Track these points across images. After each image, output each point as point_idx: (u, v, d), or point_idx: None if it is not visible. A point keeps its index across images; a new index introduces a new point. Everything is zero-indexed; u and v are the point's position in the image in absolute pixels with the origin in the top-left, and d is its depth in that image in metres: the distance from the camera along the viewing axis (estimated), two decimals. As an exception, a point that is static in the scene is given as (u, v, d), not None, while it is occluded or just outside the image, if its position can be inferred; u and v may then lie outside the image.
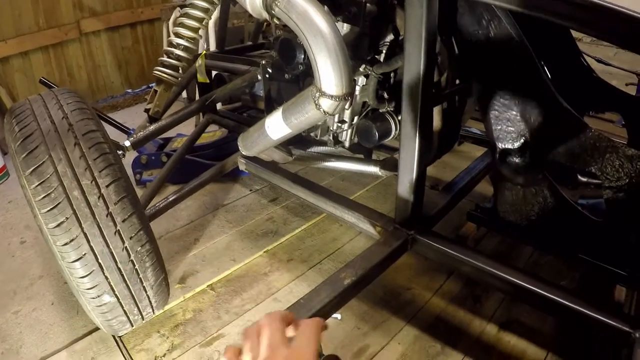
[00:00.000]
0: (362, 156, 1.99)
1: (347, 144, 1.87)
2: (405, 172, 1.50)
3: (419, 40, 1.32)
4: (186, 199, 2.37)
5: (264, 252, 2.53)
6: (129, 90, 5.86)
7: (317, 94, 1.33)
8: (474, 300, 2.09)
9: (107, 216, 1.50)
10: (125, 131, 3.10)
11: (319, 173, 2.09)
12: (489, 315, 2.01)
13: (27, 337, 2.16)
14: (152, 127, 2.16)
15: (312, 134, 1.91)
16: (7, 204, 3.53)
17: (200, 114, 2.82)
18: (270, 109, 1.97)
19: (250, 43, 2.91)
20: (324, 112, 1.35)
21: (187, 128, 3.51)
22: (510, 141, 1.53)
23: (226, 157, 2.44)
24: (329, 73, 1.29)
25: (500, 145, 1.55)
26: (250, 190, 3.18)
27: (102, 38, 5.46)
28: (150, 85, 5.95)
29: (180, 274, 2.40)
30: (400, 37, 1.70)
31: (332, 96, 1.31)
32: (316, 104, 1.34)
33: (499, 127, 1.53)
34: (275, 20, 1.43)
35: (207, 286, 2.31)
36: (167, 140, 3.45)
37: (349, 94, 1.34)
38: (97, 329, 2.11)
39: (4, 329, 2.23)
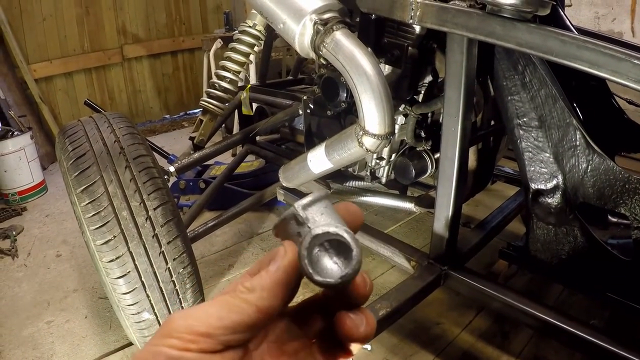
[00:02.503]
0: (397, 192, 2.04)
1: (383, 180, 1.91)
2: (442, 209, 1.55)
3: (459, 84, 1.38)
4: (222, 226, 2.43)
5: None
6: (167, 116, 5.99)
7: (361, 133, 1.39)
8: (502, 337, 2.10)
9: (153, 237, 1.57)
10: (165, 156, 3.20)
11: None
12: (517, 352, 2.02)
13: (58, 348, 2.22)
14: (196, 155, 2.24)
15: (350, 169, 1.96)
16: (44, 217, 3.65)
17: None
18: (309, 142, 2.03)
19: (290, 78, 3.00)
20: (367, 149, 1.41)
21: (224, 157, 3.61)
22: (543, 182, 1.56)
23: (263, 187, 2.51)
24: (372, 113, 1.35)
25: (533, 186, 1.57)
26: (285, 221, 3.21)
27: (143, 64, 5.62)
28: (188, 112, 6.10)
29: (212, 296, 2.42)
30: (439, 79, 1.76)
31: (374, 135, 1.37)
32: (359, 142, 1.40)
33: (532, 169, 1.56)
34: (322, 60, 1.50)
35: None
36: (205, 167, 3.54)
37: (391, 133, 1.39)
38: (129, 344, 2.17)
39: (36, 338, 2.30)
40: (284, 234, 0.46)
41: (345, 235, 0.41)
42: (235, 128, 4.19)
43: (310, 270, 0.40)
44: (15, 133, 4.00)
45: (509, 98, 1.53)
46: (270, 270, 0.43)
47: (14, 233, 3.33)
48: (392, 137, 1.42)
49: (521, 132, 1.55)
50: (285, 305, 0.45)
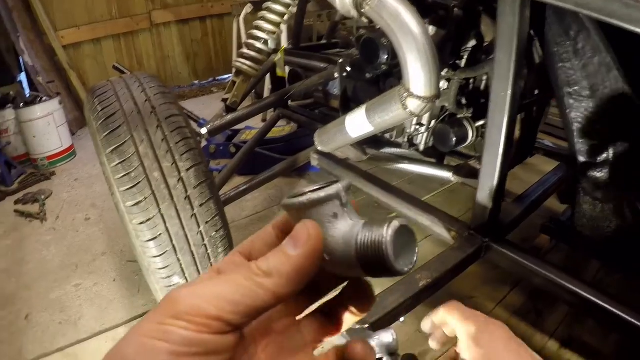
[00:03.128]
0: (434, 160, 1.98)
1: (421, 147, 1.85)
2: (487, 177, 1.47)
3: (510, 48, 1.30)
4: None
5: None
6: (196, 82, 5.98)
7: (405, 94, 1.32)
8: (537, 315, 2.04)
9: (185, 199, 1.52)
10: (195, 120, 3.16)
11: (386, 175, 2.09)
12: (551, 331, 1.96)
13: (86, 310, 2.23)
14: (228, 117, 2.18)
15: (387, 135, 1.90)
16: (73, 181, 3.66)
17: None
18: (345, 107, 1.97)
19: (324, 41, 2.92)
20: (410, 112, 1.34)
21: (255, 122, 3.56)
22: (593, 155, 1.49)
23: (294, 153, 2.46)
24: (418, 74, 1.28)
25: (581, 159, 1.51)
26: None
27: (172, 30, 5.60)
28: (217, 78, 6.07)
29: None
30: (485, 44, 1.68)
31: (419, 97, 1.30)
32: (403, 104, 1.33)
33: (582, 140, 1.49)
34: (364, 19, 1.43)
35: (270, 277, 2.32)
36: (236, 131, 3.51)
37: (437, 96, 1.32)
38: (157, 308, 2.16)
39: (63, 301, 2.31)
40: (302, 214, 0.43)
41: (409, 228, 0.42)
42: (266, 93, 4.14)
43: (393, 258, 0.40)
44: (44, 99, 4.02)
45: (560, 65, 1.45)
46: (291, 256, 0.40)
47: (43, 197, 3.35)
48: (436, 100, 1.35)
49: (571, 101, 1.46)
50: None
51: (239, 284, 0.38)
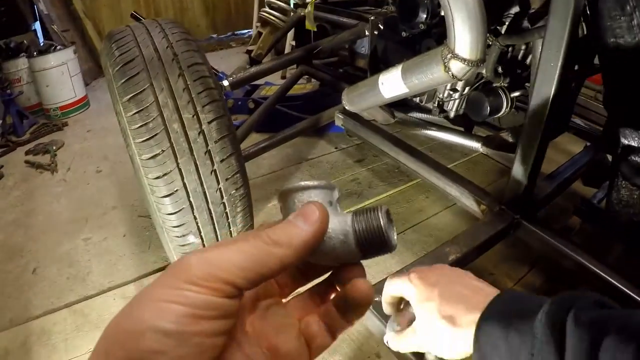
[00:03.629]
0: (462, 129, 1.90)
1: (452, 114, 1.77)
2: (526, 150, 1.39)
3: (565, 16, 1.22)
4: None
5: (347, 212, 2.44)
6: (214, 36, 5.88)
7: (449, 56, 1.23)
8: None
9: (205, 154, 1.44)
10: (214, 73, 3.08)
11: (407, 141, 2.02)
12: (568, 315, 1.90)
13: (95, 266, 2.18)
14: (252, 70, 2.09)
15: (416, 99, 1.82)
16: (86, 132, 3.61)
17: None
18: (374, 67, 1.89)
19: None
20: (453, 75, 1.25)
21: (274, 78, 3.47)
22: (637, 138, 1.41)
23: (314, 112, 2.37)
24: (466, 35, 1.19)
25: (624, 142, 1.42)
26: (336, 148, 3.13)
27: (191, -20, 5.48)
28: (235, 32, 5.96)
29: (259, 222, 2.35)
30: (531, 11, 1.59)
31: (464, 60, 1.22)
32: (445, 66, 1.25)
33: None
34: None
35: (286, 238, 2.27)
36: (255, 87, 3.42)
37: (482, 60, 1.24)
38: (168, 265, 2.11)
39: (72, 255, 2.26)
40: (294, 203, 0.48)
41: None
42: (287, 50, 4.04)
43: (389, 235, 0.46)
44: (58, 47, 3.95)
45: (612, 40, 1.35)
46: (302, 229, 0.43)
47: (54, 148, 3.30)
48: (482, 64, 1.26)
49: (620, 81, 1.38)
50: None
51: (249, 251, 0.40)
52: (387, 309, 0.88)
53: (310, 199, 0.47)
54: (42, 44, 4.15)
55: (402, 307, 0.88)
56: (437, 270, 0.80)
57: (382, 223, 0.46)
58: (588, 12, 1.53)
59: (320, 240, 0.44)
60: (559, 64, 1.26)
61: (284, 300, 0.50)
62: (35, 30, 4.56)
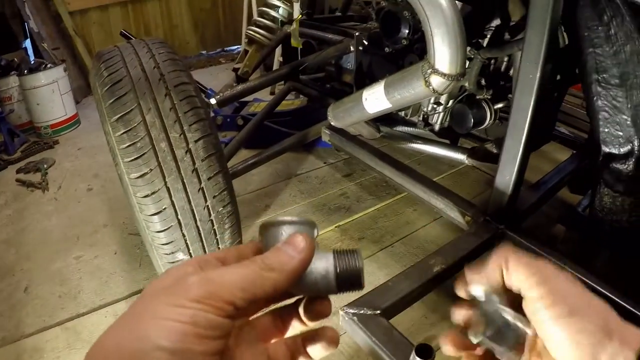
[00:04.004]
0: (448, 142, 1.92)
1: (437, 127, 1.80)
2: (508, 162, 1.42)
3: (543, 27, 1.24)
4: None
5: (335, 226, 2.49)
6: (204, 52, 5.90)
7: (429, 71, 1.26)
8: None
9: (192, 172, 1.46)
10: (203, 90, 3.09)
11: (394, 155, 2.04)
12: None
13: (86, 284, 2.18)
14: (239, 87, 2.12)
15: (401, 113, 1.84)
16: (76, 150, 3.61)
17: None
18: (359, 82, 1.91)
19: (338, 14, 2.84)
20: (433, 90, 1.28)
21: (263, 95, 3.49)
22: (617, 146, 1.44)
23: (303, 128, 2.40)
24: (445, 50, 1.22)
25: (605, 149, 1.46)
26: (325, 163, 3.14)
27: (181, -2, 5.51)
28: (225, 49, 5.99)
29: (249, 238, 2.37)
30: (511, 23, 1.62)
31: (444, 74, 1.24)
32: (426, 81, 1.27)
33: (607, 130, 1.44)
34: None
35: (276, 254, 2.28)
36: (243, 103, 3.42)
37: (462, 74, 1.26)
38: (159, 283, 2.11)
39: (64, 273, 2.26)
40: (278, 234, 0.51)
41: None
42: (275, 66, 4.07)
43: (363, 276, 0.51)
44: (49, 66, 3.95)
45: (590, 50, 1.39)
46: (293, 257, 0.47)
47: (45, 166, 3.30)
48: (461, 78, 1.28)
49: (599, 89, 1.41)
50: None
51: (247, 274, 0.44)
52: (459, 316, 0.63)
53: (295, 232, 0.50)
54: (32, 62, 4.15)
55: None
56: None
57: (360, 266, 0.50)
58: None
59: (306, 268, 0.48)
60: (537, 75, 1.29)
61: (250, 319, 0.53)
62: (25, 48, 4.57)
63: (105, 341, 0.39)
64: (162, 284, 0.43)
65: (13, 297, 2.13)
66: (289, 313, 0.54)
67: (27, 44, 4.63)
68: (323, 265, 0.50)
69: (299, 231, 0.50)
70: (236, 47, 5.94)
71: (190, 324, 0.38)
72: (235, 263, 0.46)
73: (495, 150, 1.71)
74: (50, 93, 3.82)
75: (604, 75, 1.39)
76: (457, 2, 1.53)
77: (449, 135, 1.90)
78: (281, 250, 0.47)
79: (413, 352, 0.89)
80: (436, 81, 1.26)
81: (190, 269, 0.44)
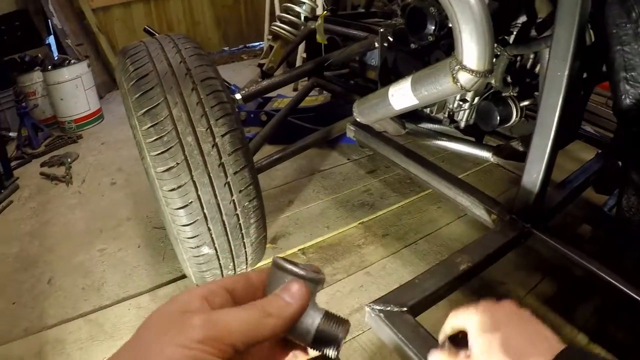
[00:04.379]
0: (473, 139, 1.91)
1: (462, 124, 1.79)
2: (535, 160, 1.40)
3: (571, 25, 1.22)
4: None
5: (359, 223, 2.49)
6: (226, 49, 5.93)
7: (457, 67, 1.24)
8: (567, 306, 1.97)
9: (219, 166, 1.47)
10: (227, 86, 3.10)
11: (418, 151, 2.04)
12: (581, 325, 1.88)
13: (109, 276, 2.20)
14: (264, 83, 2.12)
15: (426, 110, 1.83)
16: (100, 145, 3.65)
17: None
18: (384, 79, 1.90)
19: (362, 10, 2.84)
20: (461, 86, 1.27)
21: (287, 91, 3.49)
22: (646, 146, 1.42)
23: (326, 124, 2.40)
24: (473, 46, 1.21)
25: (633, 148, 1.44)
26: (348, 159, 3.15)
27: (203, -6, 5.53)
28: (247, 45, 6.02)
29: (272, 234, 2.39)
30: (538, 20, 1.60)
31: (472, 71, 1.23)
32: (453, 77, 1.26)
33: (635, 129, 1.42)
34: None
35: (299, 250, 2.30)
36: (267, 99, 3.45)
37: (490, 71, 1.25)
38: (182, 276, 2.13)
39: (87, 265, 2.29)
40: (286, 279, 0.52)
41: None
42: (298, 62, 4.07)
43: (339, 346, 0.52)
44: (72, 61, 4.00)
45: (618, 48, 1.36)
46: (291, 305, 0.49)
47: (69, 160, 3.34)
48: (489, 75, 1.27)
49: (627, 87, 1.38)
50: None
51: (247, 318, 0.46)
52: (441, 339, 0.89)
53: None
54: (56, 58, 4.20)
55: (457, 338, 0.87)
56: (506, 307, 0.80)
57: (340, 336, 0.52)
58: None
59: (301, 315, 0.51)
60: (566, 73, 1.27)
61: None
62: (49, 44, 4.62)
63: None
64: (168, 318, 0.44)
65: (36, 289, 2.16)
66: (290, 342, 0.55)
67: (51, 40, 4.68)
68: (310, 320, 0.52)
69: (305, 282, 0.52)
70: (258, 43, 5.96)
71: None
72: (241, 298, 0.50)
73: (521, 149, 1.70)
74: (74, 88, 3.87)
75: (633, 73, 1.36)
76: (485, -3, 1.53)
77: (474, 133, 1.89)
78: (279, 297, 0.50)
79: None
80: (464, 78, 1.25)
81: (197, 303, 0.46)
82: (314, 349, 0.53)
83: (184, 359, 0.39)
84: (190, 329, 0.42)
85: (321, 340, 0.52)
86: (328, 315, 0.52)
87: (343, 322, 0.52)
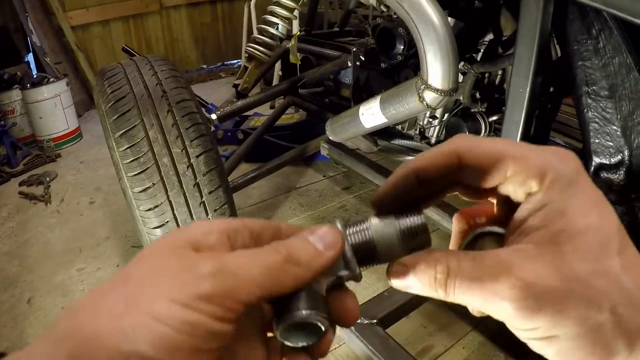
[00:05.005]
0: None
1: (433, 140, 1.83)
2: (501, 175, 1.45)
3: (532, 43, 1.28)
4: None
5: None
6: (204, 66, 5.94)
7: (422, 86, 1.29)
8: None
9: (194, 186, 1.50)
10: (203, 105, 3.13)
11: (393, 167, 2.06)
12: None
13: (89, 296, 2.20)
14: (239, 103, 2.16)
15: (398, 127, 1.88)
16: (78, 164, 3.64)
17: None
18: (357, 97, 1.95)
19: (337, 29, 2.89)
20: (427, 105, 1.32)
21: (264, 109, 3.53)
22: (607, 156, 1.46)
23: (302, 141, 2.44)
24: (437, 66, 1.26)
25: (596, 160, 1.48)
26: (324, 176, 3.18)
27: (181, 13, 5.56)
28: (225, 63, 6.03)
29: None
30: (503, 38, 1.66)
31: (437, 90, 1.28)
32: (419, 97, 1.31)
33: (597, 141, 1.47)
34: (383, 8, 1.40)
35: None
36: (244, 117, 3.48)
37: (455, 90, 1.30)
38: (161, 295, 2.13)
39: (67, 285, 2.29)
40: None
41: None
42: (275, 81, 4.10)
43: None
44: (51, 80, 3.98)
45: (579, 63, 1.42)
46: (322, 253, 0.37)
47: (48, 179, 3.33)
48: (454, 94, 1.32)
49: (589, 100, 1.44)
50: None
51: (268, 265, 0.34)
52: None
53: None
54: (35, 76, 4.19)
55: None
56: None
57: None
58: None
59: (332, 266, 0.38)
60: (528, 89, 1.32)
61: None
62: (28, 62, 4.60)
63: (83, 321, 0.31)
64: (171, 254, 0.34)
65: (16, 308, 2.15)
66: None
67: (30, 57, 4.66)
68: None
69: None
70: (236, 61, 6.00)
71: (187, 334, 0.30)
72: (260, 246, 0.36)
73: (490, 162, 1.74)
74: (53, 107, 3.86)
75: (594, 88, 1.42)
76: (450, 18, 1.58)
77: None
78: (308, 241, 0.37)
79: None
80: (429, 96, 1.30)
81: (214, 238, 0.36)
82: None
83: (177, 324, 0.30)
84: (197, 278, 0.31)
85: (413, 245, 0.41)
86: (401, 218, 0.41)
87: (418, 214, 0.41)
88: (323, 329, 0.38)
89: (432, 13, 1.24)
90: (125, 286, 0.32)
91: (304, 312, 0.37)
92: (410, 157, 1.94)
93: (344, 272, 0.40)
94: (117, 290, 0.32)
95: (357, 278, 0.42)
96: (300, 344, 0.38)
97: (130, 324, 0.29)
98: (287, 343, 0.38)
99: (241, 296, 0.32)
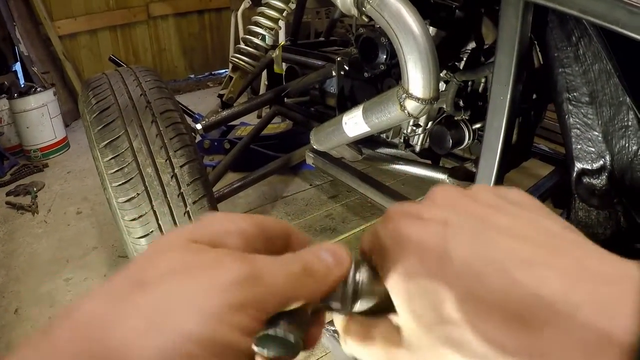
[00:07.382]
0: (429, 162, 1.97)
1: (417, 148, 1.84)
2: (484, 180, 1.45)
3: (512, 50, 1.29)
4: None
5: None
6: (192, 76, 5.96)
7: (404, 96, 1.31)
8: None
9: (178, 196, 1.51)
10: (190, 114, 3.14)
11: (379, 175, 2.07)
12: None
13: (76, 306, 2.19)
14: (224, 113, 2.17)
15: (383, 135, 1.89)
16: (66, 174, 3.63)
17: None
18: (342, 106, 1.96)
19: (322, 39, 2.91)
20: (408, 114, 1.33)
21: (250, 119, 3.54)
22: (589, 161, 1.48)
23: (289, 150, 2.44)
24: (418, 75, 1.27)
25: (578, 165, 1.50)
26: (311, 185, 3.19)
27: (169, 22, 5.59)
28: (213, 72, 6.06)
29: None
30: (485, 46, 1.67)
31: (418, 99, 1.29)
32: (401, 106, 1.32)
33: (579, 147, 1.49)
34: (364, 18, 1.42)
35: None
36: (230, 127, 3.49)
37: (436, 98, 1.31)
38: (148, 306, 2.13)
39: (54, 295, 2.28)
40: None
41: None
42: (262, 90, 4.12)
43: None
44: (38, 89, 3.97)
45: (560, 70, 1.44)
46: (333, 270, 0.35)
47: (35, 189, 3.32)
48: (435, 102, 1.33)
49: (570, 107, 1.45)
50: None
51: (291, 276, 0.32)
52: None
53: None
54: (22, 86, 4.18)
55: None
56: (465, 201, 0.38)
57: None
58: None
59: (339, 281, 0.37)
60: (508, 97, 1.33)
61: None
62: (15, 71, 4.59)
63: (99, 336, 0.26)
64: (196, 250, 0.31)
65: (3, 319, 2.14)
66: None
67: (17, 67, 4.65)
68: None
69: None
70: (223, 70, 6.02)
71: (217, 357, 0.27)
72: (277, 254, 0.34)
73: (474, 170, 1.76)
74: (40, 117, 3.85)
75: (575, 94, 1.44)
76: (431, 28, 1.60)
77: (429, 156, 1.95)
78: (320, 256, 0.35)
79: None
80: (411, 105, 1.31)
81: (234, 241, 0.33)
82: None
83: (205, 342, 0.26)
84: (226, 283, 0.28)
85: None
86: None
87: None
88: (299, 349, 0.35)
89: (412, 23, 1.26)
90: (143, 294, 0.28)
91: (286, 329, 0.33)
92: (395, 166, 1.96)
93: (336, 305, 0.38)
94: (133, 299, 0.28)
95: (346, 313, 0.40)
96: (272, 355, 0.35)
97: (156, 345, 0.26)
98: (261, 351, 0.34)
99: (269, 306, 0.30)
